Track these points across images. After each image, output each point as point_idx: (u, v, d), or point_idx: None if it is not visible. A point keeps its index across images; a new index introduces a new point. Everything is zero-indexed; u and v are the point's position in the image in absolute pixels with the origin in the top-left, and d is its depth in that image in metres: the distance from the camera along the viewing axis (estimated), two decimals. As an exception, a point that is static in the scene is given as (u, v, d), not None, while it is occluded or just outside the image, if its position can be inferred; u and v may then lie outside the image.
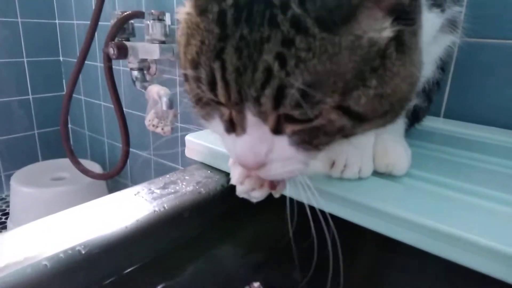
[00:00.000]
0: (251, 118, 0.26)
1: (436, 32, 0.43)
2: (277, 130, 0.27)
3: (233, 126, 0.28)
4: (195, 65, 0.26)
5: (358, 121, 0.27)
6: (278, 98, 0.24)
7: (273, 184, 0.35)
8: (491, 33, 0.60)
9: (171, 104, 0.99)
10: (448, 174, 0.43)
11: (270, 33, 0.23)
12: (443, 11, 0.41)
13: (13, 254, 0.32)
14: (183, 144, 0.54)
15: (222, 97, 0.26)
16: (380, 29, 0.25)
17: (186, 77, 0.28)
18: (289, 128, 0.27)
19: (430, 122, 0.57)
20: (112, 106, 1.17)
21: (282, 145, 0.27)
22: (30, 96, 1.70)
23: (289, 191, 0.37)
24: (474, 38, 0.60)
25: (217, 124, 0.29)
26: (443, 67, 0.49)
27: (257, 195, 0.36)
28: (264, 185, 0.35)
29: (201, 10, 0.26)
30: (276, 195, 0.37)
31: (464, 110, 0.64)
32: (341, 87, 0.24)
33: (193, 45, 0.26)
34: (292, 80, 0.23)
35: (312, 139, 0.27)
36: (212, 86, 0.26)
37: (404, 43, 0.26)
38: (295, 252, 0.44)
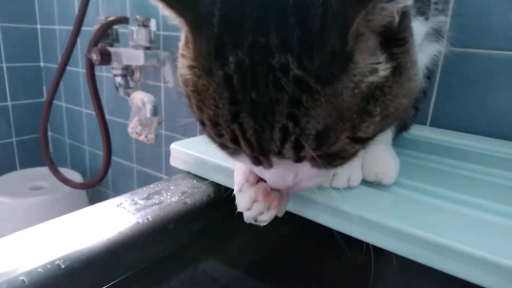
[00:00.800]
0: (274, 160, 0.29)
1: (422, 41, 0.44)
2: (299, 160, 0.29)
3: (259, 161, 0.30)
4: (214, 125, 0.27)
5: (368, 142, 0.29)
6: (297, 148, 0.26)
7: (280, 202, 0.37)
8: (475, 43, 0.61)
9: (155, 111, 0.97)
10: (435, 182, 0.43)
11: (277, 95, 0.24)
12: (427, 19, 0.42)
13: (-13, 269, 0.31)
14: (168, 152, 0.53)
15: (246, 150, 0.28)
16: (376, 65, 0.25)
17: (203, 124, 0.29)
18: (308, 157, 0.28)
19: (416, 131, 0.58)
20: (93, 113, 1.15)
21: (305, 169, 0.29)
22: (9, 103, 1.65)
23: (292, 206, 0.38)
24: (460, 48, 0.60)
25: (244, 159, 0.31)
26: (429, 76, 0.50)
27: (265, 218, 0.37)
28: (270, 208, 0.36)
29: (206, 70, 0.26)
30: (280, 214, 0.38)
31: (450, 119, 0.65)
32: (350, 126, 0.26)
33: (208, 107, 0.27)
34: (306, 133, 0.25)
35: (330, 162, 0.29)
36: (236, 142, 0.27)
37: (399, 65, 0.27)
38: (285, 264, 0.43)
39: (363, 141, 0.28)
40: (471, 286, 0.30)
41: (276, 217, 0.37)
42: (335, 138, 0.26)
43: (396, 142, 0.50)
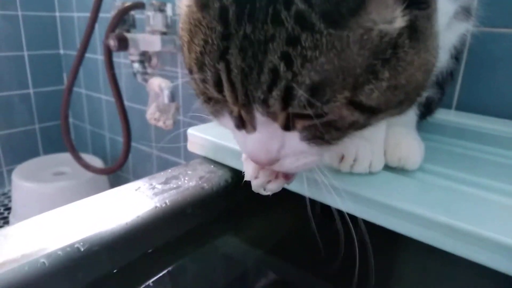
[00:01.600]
0: (260, 118, 0.25)
1: (450, 19, 0.41)
2: (287, 127, 0.26)
3: (243, 123, 0.27)
4: (200, 65, 0.25)
5: (371, 114, 0.25)
6: (286, 99, 0.23)
7: (287, 174, 0.34)
8: (505, 22, 0.58)
9: (173, 97, 0.97)
10: (461, 168, 0.42)
11: (274, 31, 0.22)
12: None
13: (10, 251, 0.31)
14: (186, 138, 0.53)
15: (229, 98, 0.25)
16: (391, 18, 0.23)
17: (191, 73, 0.27)
18: (300, 124, 0.26)
19: (441, 115, 0.56)
20: (113, 99, 1.16)
21: (294, 141, 0.26)
22: (31, 90, 1.69)
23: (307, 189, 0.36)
24: (488, 28, 0.57)
25: (227, 121, 0.28)
26: (457, 56, 0.47)
27: (273, 187, 0.34)
28: (278, 176, 0.34)
29: (202, 4, 0.24)
30: (289, 183, 0.36)
31: (476, 102, 0.62)
32: (351, 83, 0.23)
33: (197, 44, 0.25)
34: (300, 81, 0.22)
35: (323, 134, 0.26)
36: (219, 87, 0.25)
37: (417, 29, 0.24)
38: (302, 247, 0.42)
39: (364, 109, 0.25)
40: (494, 273, 0.29)
41: (291, 202, 0.36)
42: (332, 95, 0.23)
43: (421, 127, 0.48)
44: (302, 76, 0.22)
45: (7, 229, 0.35)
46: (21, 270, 0.30)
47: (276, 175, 0.34)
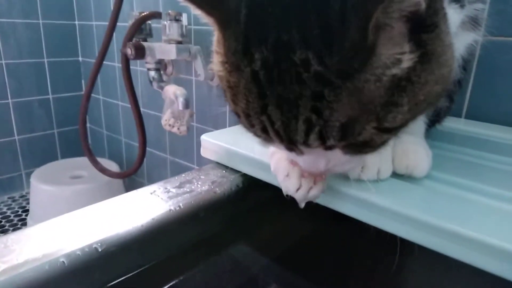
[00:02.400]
0: (305, 149, 0.29)
1: (457, 29, 0.42)
2: (330, 148, 0.29)
3: (291, 148, 0.30)
4: (246, 115, 0.29)
5: (398, 131, 0.28)
6: (322, 139, 0.27)
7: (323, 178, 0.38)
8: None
9: (187, 104, 0.99)
10: (470, 176, 0.42)
11: (300, 90, 0.25)
12: (462, 6, 0.40)
13: (32, 251, 0.33)
14: (199, 144, 0.54)
15: (276, 141, 0.29)
16: (400, 58, 0.25)
17: (238, 115, 0.30)
18: (339, 145, 0.29)
19: (451, 123, 0.56)
20: (129, 106, 1.19)
21: (337, 155, 0.30)
22: (50, 96, 1.74)
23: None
24: (498, 37, 0.58)
25: (278, 145, 0.32)
26: (465, 66, 0.48)
27: (316, 193, 0.37)
28: (316, 182, 0.37)
29: (235, 66, 0.27)
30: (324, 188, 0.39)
31: (486, 111, 0.62)
32: (374, 117, 0.26)
33: (240, 101, 0.28)
34: (331, 125, 0.25)
35: (361, 150, 0.29)
36: (266, 133, 0.29)
37: (427, 52, 0.26)
38: (312, 254, 0.43)
39: (391, 131, 0.28)
40: (502, 282, 0.30)
41: (302, 209, 0.38)
42: (361, 129, 0.26)
43: (429, 135, 0.48)
44: (332, 121, 0.25)
45: (29, 230, 0.36)
46: (42, 269, 0.32)
47: (315, 180, 0.37)
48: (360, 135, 0.27)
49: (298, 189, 0.37)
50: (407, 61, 0.25)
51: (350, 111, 0.25)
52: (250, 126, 0.29)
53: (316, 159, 0.31)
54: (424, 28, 0.25)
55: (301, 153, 0.30)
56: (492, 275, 0.30)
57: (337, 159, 0.30)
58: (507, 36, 0.59)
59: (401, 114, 0.26)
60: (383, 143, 0.29)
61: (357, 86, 0.24)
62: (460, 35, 0.43)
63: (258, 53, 0.25)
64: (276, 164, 0.40)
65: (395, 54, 0.25)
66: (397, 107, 0.26)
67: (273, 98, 0.26)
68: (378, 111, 0.26)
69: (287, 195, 0.38)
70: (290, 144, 0.29)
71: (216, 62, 0.30)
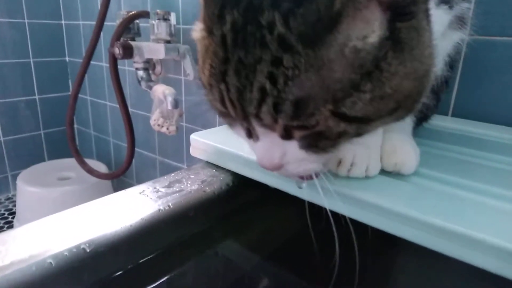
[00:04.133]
0: (259, 129, 0.28)
1: (444, 29, 0.43)
2: (286, 136, 0.28)
3: (250, 134, 0.30)
4: (209, 86, 0.28)
5: (360, 123, 0.27)
6: (275, 113, 0.26)
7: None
8: (500, 31, 0.59)
9: (176, 104, 0.99)
10: (457, 172, 0.43)
11: (261, 54, 0.24)
12: (451, 7, 0.41)
13: (18, 252, 0.32)
14: (188, 144, 0.54)
15: (231, 114, 0.28)
16: (366, 34, 0.24)
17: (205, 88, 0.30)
18: (296, 134, 0.28)
19: (438, 121, 0.57)
20: (117, 106, 1.18)
21: (293, 149, 0.29)
22: (37, 97, 1.71)
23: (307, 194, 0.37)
24: (483, 36, 0.59)
25: (239, 131, 0.32)
26: (451, 64, 0.49)
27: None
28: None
29: (209, 31, 0.27)
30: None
31: (473, 109, 0.64)
32: (331, 97, 0.25)
33: (206, 68, 0.28)
34: (284, 97, 0.25)
35: (317, 142, 0.28)
36: (223, 104, 0.28)
37: (401, 40, 0.25)
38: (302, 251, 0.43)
39: (349, 120, 0.26)
40: (491, 276, 0.30)
41: (291, 207, 0.37)
42: (315, 109, 0.25)
43: (417, 133, 0.49)
44: (286, 93, 0.24)
45: (15, 231, 0.36)
46: (29, 270, 0.31)
47: None
48: (314, 117, 0.25)
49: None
50: (373, 37, 0.24)
51: (306, 83, 0.24)
52: (211, 99, 0.29)
53: (271, 147, 0.29)
54: (400, 17, 0.25)
55: (256, 138, 0.29)
56: (479, 269, 0.30)
57: (293, 153, 0.29)
58: (493, 36, 0.60)
59: (361, 102, 0.25)
60: (340, 135, 0.27)
61: (318, 55, 0.24)
62: (448, 34, 0.44)
63: (229, 16, 0.25)
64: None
65: (362, 30, 0.24)
66: (358, 92, 0.25)
67: (234, 62, 0.26)
68: (337, 90, 0.25)
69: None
70: (244, 120, 0.28)
71: (197, 30, 0.30)
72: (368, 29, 0.24)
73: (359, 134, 0.28)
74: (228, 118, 0.31)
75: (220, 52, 0.26)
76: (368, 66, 0.25)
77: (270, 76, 0.24)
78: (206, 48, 0.28)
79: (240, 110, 0.27)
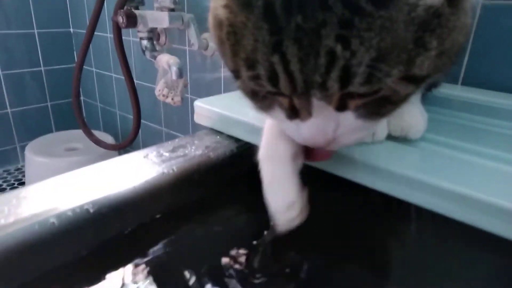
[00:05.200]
0: (316, 103, 0.26)
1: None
2: (341, 108, 0.27)
3: (295, 113, 0.28)
4: (251, 63, 0.25)
5: (422, 82, 0.26)
6: (345, 79, 0.24)
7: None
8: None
9: (180, 74, 0.98)
10: (465, 138, 0.42)
11: (324, 17, 0.22)
12: None
13: (21, 211, 0.33)
14: (194, 115, 0.54)
15: (286, 89, 0.25)
16: None
17: (236, 75, 0.28)
18: (353, 103, 0.26)
19: (447, 89, 0.55)
20: (123, 77, 1.17)
21: (348, 120, 0.27)
22: (42, 68, 1.71)
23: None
24: (499, 0, 0.56)
25: (277, 113, 0.29)
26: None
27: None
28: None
29: (244, 3, 0.25)
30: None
31: (483, 77, 0.61)
32: (405, 58, 0.24)
33: (245, 44, 0.25)
34: (359, 58, 0.23)
35: (378, 109, 0.27)
36: (274, 81, 0.25)
37: None
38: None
39: (417, 81, 0.25)
40: (497, 239, 0.30)
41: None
42: (388, 71, 0.23)
43: (426, 100, 0.48)
44: (361, 54, 0.22)
45: (19, 191, 0.36)
46: (32, 229, 0.31)
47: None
48: (386, 79, 0.24)
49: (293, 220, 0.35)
50: None
51: (380, 45, 0.22)
52: (253, 79, 0.26)
53: (325, 123, 0.27)
54: None
55: (308, 114, 0.27)
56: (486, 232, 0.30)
57: (348, 124, 0.27)
58: (508, 0, 0.57)
59: (429, 60, 0.24)
60: (405, 98, 0.27)
61: (391, 15, 0.22)
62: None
63: None
64: (277, 181, 0.36)
65: None
66: (426, 50, 0.24)
67: (291, 31, 0.23)
68: (409, 50, 0.23)
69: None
70: (303, 94, 0.25)
71: (217, 7, 0.27)
72: None
73: (413, 94, 0.28)
74: (265, 100, 0.29)
75: (266, 24, 0.24)
76: (434, 23, 0.24)
77: (339, 38, 0.22)
78: (242, 26, 0.25)
79: (302, 82, 0.25)
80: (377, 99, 0.26)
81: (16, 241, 0.31)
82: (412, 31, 0.23)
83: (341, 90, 0.24)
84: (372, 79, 0.23)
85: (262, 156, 0.37)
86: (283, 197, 0.35)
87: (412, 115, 0.40)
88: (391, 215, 0.43)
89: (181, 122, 1.32)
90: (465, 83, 0.64)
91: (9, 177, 1.69)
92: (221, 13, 0.26)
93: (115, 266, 0.37)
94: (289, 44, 0.23)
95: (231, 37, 0.26)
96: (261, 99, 0.29)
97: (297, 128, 0.29)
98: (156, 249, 0.40)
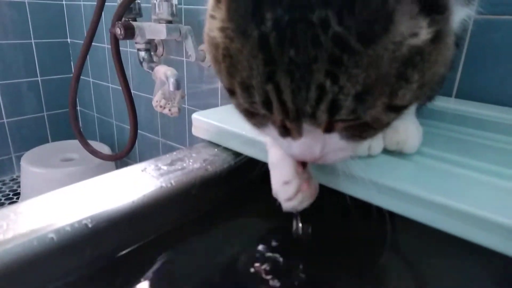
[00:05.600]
0: (306, 127, 0.28)
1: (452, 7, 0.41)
2: (329, 130, 0.28)
3: (287, 131, 0.30)
4: (245, 87, 0.27)
5: (403, 110, 0.28)
6: (332, 111, 0.25)
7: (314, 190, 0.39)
8: (507, 9, 0.58)
9: (178, 85, 0.98)
10: (459, 152, 0.42)
11: (316, 53, 0.23)
12: None
13: (20, 226, 0.33)
14: (191, 126, 0.54)
15: (279, 115, 0.27)
16: (417, 30, 0.24)
17: (231, 93, 0.29)
18: (339, 126, 0.28)
19: (442, 102, 0.56)
20: (120, 88, 1.17)
21: (334, 140, 0.29)
22: (39, 78, 1.71)
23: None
24: (490, 15, 0.57)
25: (270, 130, 0.31)
26: (457, 42, 0.47)
27: (305, 205, 0.39)
28: (302, 189, 0.38)
29: (241, 31, 0.25)
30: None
31: (477, 90, 0.62)
32: (388, 91, 0.25)
33: (241, 70, 0.26)
34: (346, 93, 0.24)
35: (360, 133, 0.29)
36: (268, 106, 0.27)
37: (439, 32, 0.26)
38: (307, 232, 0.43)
39: (398, 110, 0.27)
40: (491, 253, 0.30)
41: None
42: (372, 103, 0.25)
43: (420, 113, 0.48)
44: (348, 89, 0.24)
45: (17, 206, 0.36)
46: (30, 245, 0.31)
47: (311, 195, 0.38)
48: (370, 110, 0.26)
49: (291, 199, 0.38)
50: (424, 35, 0.24)
51: (366, 81, 0.24)
52: (247, 102, 0.28)
53: (313, 143, 0.29)
54: (437, 9, 0.25)
55: (299, 135, 0.29)
56: (481, 247, 0.30)
57: (333, 144, 0.29)
58: (499, 15, 0.58)
59: (410, 92, 0.26)
60: (387, 124, 0.28)
61: (377, 53, 0.23)
62: (455, 11, 0.43)
63: (270, 13, 0.24)
64: (277, 162, 0.40)
65: (413, 27, 0.24)
66: (407, 83, 0.25)
67: (284, 63, 0.24)
68: (392, 84, 0.25)
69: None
70: (294, 121, 0.27)
71: (212, 29, 0.28)
72: (417, 24, 0.24)
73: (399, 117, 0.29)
74: (257, 117, 0.30)
75: (261, 54, 0.25)
76: (417, 59, 0.25)
77: (329, 74, 0.24)
78: (237, 52, 0.26)
79: (294, 111, 0.26)
80: (360, 124, 0.27)
81: (15, 257, 0.31)
82: (396, 68, 0.24)
83: (329, 119, 0.26)
84: (356, 110, 0.25)
85: (269, 144, 0.41)
86: (280, 175, 0.39)
87: (408, 130, 0.41)
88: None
89: (178, 132, 1.33)
90: (459, 95, 0.65)
91: (4, 188, 1.68)
92: (217, 36, 0.27)
93: (115, 283, 0.37)
94: (282, 75, 0.25)
95: (227, 60, 0.27)
96: (255, 116, 0.31)
97: (289, 144, 0.31)
98: (155, 265, 0.40)
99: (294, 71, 0.24)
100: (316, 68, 0.24)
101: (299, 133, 0.29)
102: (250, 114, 0.31)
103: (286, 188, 0.38)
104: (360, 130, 0.28)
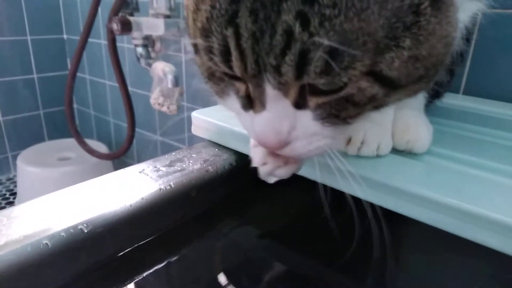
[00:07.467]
0: (270, 92, 0.23)
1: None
2: (300, 104, 0.24)
3: (250, 103, 0.25)
4: (205, 33, 0.23)
5: (391, 88, 0.24)
6: (301, 65, 0.21)
7: (297, 159, 0.33)
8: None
9: (176, 82, 0.96)
10: (470, 151, 0.41)
11: None
12: None
13: (13, 232, 0.31)
14: (190, 124, 0.52)
15: (237, 69, 0.23)
16: None
17: (196, 48, 0.25)
18: (313, 101, 0.24)
19: (449, 99, 0.54)
20: (117, 85, 1.15)
21: (306, 121, 0.24)
22: (35, 75, 1.68)
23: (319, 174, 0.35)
24: (500, 9, 0.56)
25: (233, 101, 0.26)
26: (468, 37, 0.46)
27: (282, 173, 0.33)
28: (289, 162, 0.33)
29: None
30: (297, 171, 0.35)
31: (485, 87, 0.61)
32: (372, 48, 0.21)
33: (203, 10, 0.23)
34: (317, 41, 0.20)
35: (339, 111, 0.24)
36: (226, 57, 0.23)
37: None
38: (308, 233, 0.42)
39: (384, 82, 0.23)
40: (501, 256, 0.29)
41: (296, 187, 0.36)
42: (351, 61, 0.21)
43: (429, 111, 0.47)
44: (320, 36, 0.20)
45: (10, 210, 0.34)
46: (24, 251, 0.30)
47: (286, 160, 0.33)
48: (347, 71, 0.21)
49: (264, 164, 0.33)
50: None
51: (344, 27, 0.20)
52: (206, 52, 0.23)
53: (279, 118, 0.24)
54: None
55: (261, 105, 0.24)
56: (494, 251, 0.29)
57: (305, 127, 0.24)
58: (509, 9, 0.57)
59: (399, 60, 0.22)
60: (370, 100, 0.24)
61: None
62: (466, 3, 0.41)
63: None
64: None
65: None
66: (398, 47, 0.22)
67: (248, 1, 0.20)
68: (377, 40, 0.21)
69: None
70: (255, 77, 0.23)
71: None
72: None
73: (383, 104, 0.25)
74: (220, 83, 0.26)
75: None
76: (410, 18, 0.22)
77: (300, 15, 0.19)
78: None
79: (253, 62, 0.22)
80: (339, 99, 0.23)
81: (8, 264, 0.29)
82: (383, 18, 0.21)
83: (296, 78, 0.22)
84: (330, 68, 0.21)
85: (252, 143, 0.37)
86: (258, 156, 0.34)
87: (418, 129, 0.39)
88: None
89: (176, 131, 1.31)
90: (467, 92, 0.63)
91: (0, 187, 1.66)
92: None
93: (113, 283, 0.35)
94: (244, 15, 0.21)
95: (193, 3, 0.24)
96: (217, 80, 0.27)
97: (251, 121, 0.26)
98: (153, 269, 0.38)
99: (258, 10, 0.20)
100: (286, 7, 0.20)
101: (262, 102, 0.24)
102: (213, 78, 0.27)
103: (265, 167, 0.33)
104: (337, 107, 0.24)
